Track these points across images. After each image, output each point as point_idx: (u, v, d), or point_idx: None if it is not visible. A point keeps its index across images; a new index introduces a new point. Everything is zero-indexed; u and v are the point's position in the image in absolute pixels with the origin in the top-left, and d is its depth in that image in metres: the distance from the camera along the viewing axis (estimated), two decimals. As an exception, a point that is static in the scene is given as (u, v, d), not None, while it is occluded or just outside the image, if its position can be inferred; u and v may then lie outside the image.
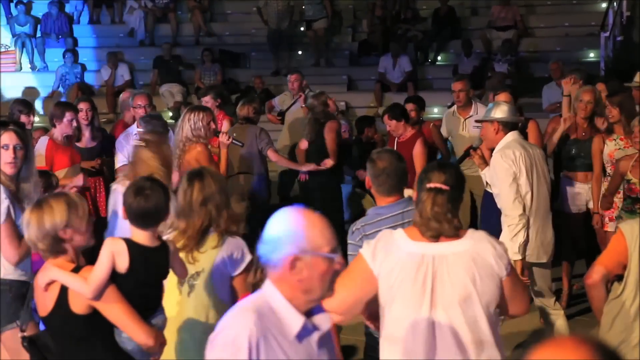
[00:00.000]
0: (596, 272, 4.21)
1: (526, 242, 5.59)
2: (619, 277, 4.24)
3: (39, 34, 16.05)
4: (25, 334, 3.92)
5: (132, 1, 16.36)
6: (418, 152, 7.52)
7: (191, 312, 4.28)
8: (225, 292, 4.26)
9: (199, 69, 14.74)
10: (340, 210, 8.37)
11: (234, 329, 2.57)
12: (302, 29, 15.52)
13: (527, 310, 3.62)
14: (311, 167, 8.06)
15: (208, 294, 4.26)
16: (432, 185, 3.43)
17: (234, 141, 6.84)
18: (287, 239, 2.61)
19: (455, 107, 8.42)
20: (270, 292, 2.65)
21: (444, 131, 8.53)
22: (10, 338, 4.65)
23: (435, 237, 3.39)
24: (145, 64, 15.44)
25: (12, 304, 4.68)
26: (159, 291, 3.99)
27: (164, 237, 4.12)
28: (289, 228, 2.63)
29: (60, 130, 7.13)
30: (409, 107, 8.47)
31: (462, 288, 3.35)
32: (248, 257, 4.24)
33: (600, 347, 1.78)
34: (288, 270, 2.60)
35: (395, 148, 7.46)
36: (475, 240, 3.42)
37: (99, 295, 3.61)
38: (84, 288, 3.60)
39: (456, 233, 3.40)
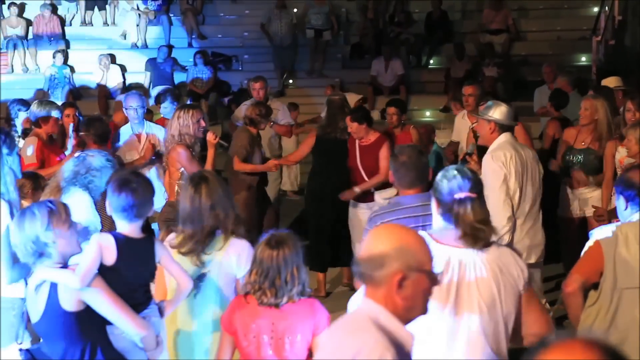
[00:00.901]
0: (574, 281, 4.17)
1: (510, 244, 5.60)
2: (595, 285, 4.20)
3: (31, 36, 16.02)
4: (22, 346, 3.92)
5: (125, 3, 16.34)
6: (384, 156, 7.43)
7: (197, 313, 4.32)
8: (230, 292, 4.32)
9: (191, 72, 14.72)
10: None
11: (375, 353, 2.44)
12: (294, 30, 15.42)
13: (549, 328, 3.52)
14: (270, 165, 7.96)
15: (214, 294, 4.31)
16: (461, 195, 3.41)
17: (220, 141, 6.85)
18: (394, 257, 2.52)
19: (465, 111, 8.45)
20: (376, 311, 2.54)
21: (455, 134, 8.52)
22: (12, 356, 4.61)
23: (481, 245, 3.38)
24: (138, 67, 15.42)
25: (15, 322, 4.61)
26: (147, 285, 4.02)
27: (169, 243, 4.21)
28: (394, 245, 2.54)
29: (46, 130, 7.09)
30: (391, 110, 8.47)
31: (488, 295, 3.35)
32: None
33: (608, 349, 1.79)
34: (394, 289, 2.52)
35: (357, 151, 7.52)
36: (501, 251, 3.45)
37: (87, 285, 3.63)
38: (72, 278, 3.62)
39: (489, 241, 3.41)
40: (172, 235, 4.40)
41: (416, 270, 2.53)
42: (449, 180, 3.48)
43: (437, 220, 3.54)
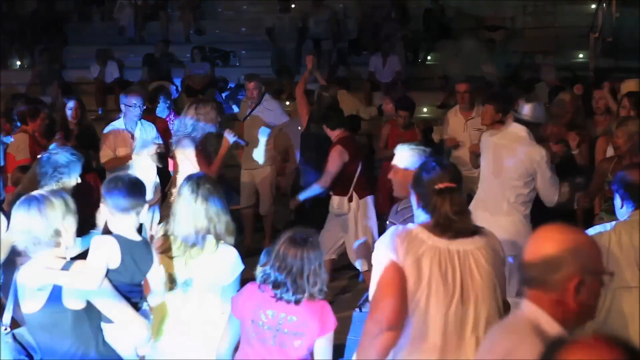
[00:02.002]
0: None
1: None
2: None
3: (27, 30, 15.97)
4: (9, 329, 3.91)
5: (123, -1, 16.34)
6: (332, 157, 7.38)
7: (186, 318, 4.29)
8: (213, 300, 4.27)
9: (188, 67, 14.70)
10: None
11: (527, 357, 2.33)
12: (297, 35, 15.34)
13: None
14: None
15: (202, 301, 4.27)
16: (441, 185, 3.41)
17: (237, 139, 6.79)
18: (570, 260, 2.39)
19: (458, 106, 8.42)
20: (538, 316, 2.44)
21: (450, 130, 8.48)
22: None
23: (456, 236, 3.38)
24: (135, 62, 15.38)
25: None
26: (141, 285, 4.05)
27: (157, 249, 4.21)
28: (568, 246, 2.41)
29: (32, 127, 7.05)
30: (403, 114, 8.52)
31: (490, 281, 3.35)
32: (241, 267, 4.28)
33: (628, 348, 1.81)
34: (571, 294, 2.40)
35: None
36: (489, 235, 3.47)
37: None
38: (88, 282, 3.62)
39: (474, 229, 3.42)
40: (159, 238, 4.38)
41: (592, 273, 2.41)
42: (429, 172, 3.49)
43: (419, 214, 3.54)
